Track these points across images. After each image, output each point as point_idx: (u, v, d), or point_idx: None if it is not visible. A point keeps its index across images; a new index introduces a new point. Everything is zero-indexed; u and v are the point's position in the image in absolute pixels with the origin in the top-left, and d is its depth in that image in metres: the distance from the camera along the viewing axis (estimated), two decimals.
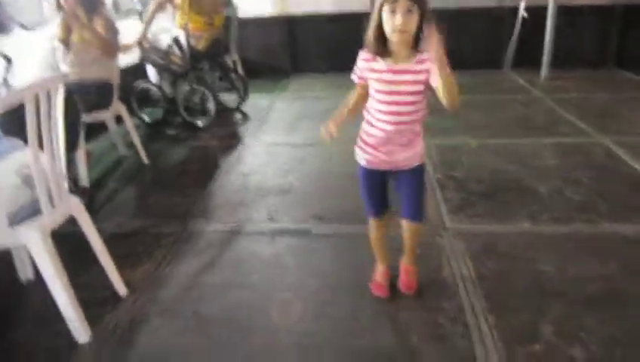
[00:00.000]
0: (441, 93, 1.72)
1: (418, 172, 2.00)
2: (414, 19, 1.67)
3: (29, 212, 1.87)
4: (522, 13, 6.35)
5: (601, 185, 3.15)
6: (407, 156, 1.94)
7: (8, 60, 3.46)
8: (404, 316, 2.05)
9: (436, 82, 1.72)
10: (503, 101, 5.30)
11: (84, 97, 3.36)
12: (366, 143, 1.96)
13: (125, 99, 4.56)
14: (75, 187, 3.36)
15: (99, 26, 3.31)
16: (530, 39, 6.38)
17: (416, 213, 2.05)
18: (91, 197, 3.34)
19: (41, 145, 1.80)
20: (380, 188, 2.06)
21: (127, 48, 4.56)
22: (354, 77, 1.91)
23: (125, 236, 2.82)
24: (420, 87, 1.80)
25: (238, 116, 5.19)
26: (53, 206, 1.92)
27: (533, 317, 1.99)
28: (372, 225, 2.16)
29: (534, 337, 1.88)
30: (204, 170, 3.79)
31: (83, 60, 3.32)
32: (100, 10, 3.36)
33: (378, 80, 1.82)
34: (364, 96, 1.91)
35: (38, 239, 1.84)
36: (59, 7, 3.29)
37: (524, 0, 6.32)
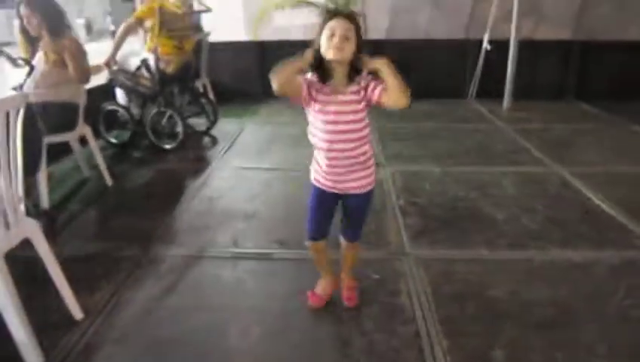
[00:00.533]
0: (391, 94, 1.80)
1: (367, 197, 2.08)
2: (351, 42, 1.79)
3: None
4: (486, 45, 6.62)
5: (555, 213, 3.28)
6: (357, 178, 2.00)
7: None
8: (360, 340, 2.08)
9: (378, 94, 1.83)
10: (466, 130, 5.47)
11: (47, 119, 3.33)
12: (318, 165, 2.04)
13: (92, 121, 4.55)
14: (34, 209, 3.32)
15: (66, 49, 3.31)
16: (493, 71, 6.63)
17: (357, 236, 2.21)
18: (51, 219, 3.29)
19: None
20: (326, 211, 2.12)
21: (95, 70, 4.57)
22: (301, 79, 1.88)
23: (85, 259, 2.78)
24: (361, 113, 1.89)
25: (207, 140, 5.20)
26: (7, 228, 1.89)
27: (485, 341, 2.05)
28: (310, 247, 2.24)
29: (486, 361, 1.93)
30: (169, 193, 3.77)
31: (47, 81, 3.30)
32: (66, 32, 3.36)
33: (321, 107, 1.89)
34: (298, 85, 1.87)
35: None
36: (22, 29, 3.27)
37: (487, 33, 6.60)
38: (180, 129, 4.70)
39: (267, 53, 6.92)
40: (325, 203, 2.09)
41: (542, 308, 2.27)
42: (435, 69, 6.94)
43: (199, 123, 5.37)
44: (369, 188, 2.05)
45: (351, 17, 1.82)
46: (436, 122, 5.69)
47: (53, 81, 3.34)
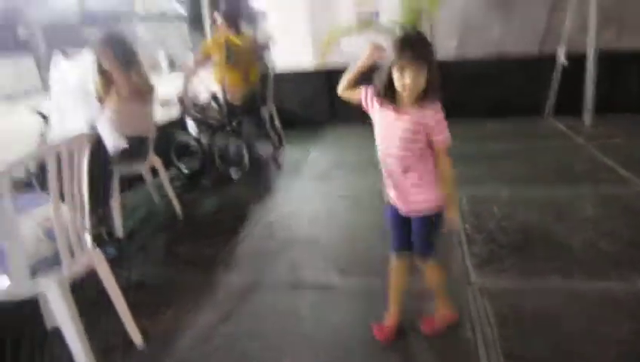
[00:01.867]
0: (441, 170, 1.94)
1: (425, 221, 2.02)
2: (422, 76, 1.79)
3: (50, 263, 1.97)
4: (562, 60, 6.26)
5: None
6: (414, 201, 1.99)
7: (44, 118, 3.73)
8: None
9: (436, 145, 1.90)
10: (541, 149, 5.16)
11: (120, 151, 3.55)
12: (386, 180, 2.07)
13: (165, 151, 4.79)
14: (109, 237, 3.52)
15: (136, 82, 3.52)
16: (571, 86, 6.24)
17: (425, 252, 2.11)
18: (123, 246, 3.47)
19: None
20: (400, 226, 2.11)
21: (168, 103, 4.84)
22: (361, 95, 2.06)
23: (149, 285, 2.89)
24: (418, 135, 1.88)
25: (273, 166, 5.30)
26: (73, 257, 2.00)
27: None
28: (392, 262, 2.22)
29: None
30: (234, 220, 3.86)
31: (119, 115, 3.51)
32: (136, 67, 3.57)
33: (382, 119, 1.96)
34: (357, 93, 2.09)
35: (55, 289, 1.92)
36: (99, 67, 3.51)
37: (563, 46, 6.25)
38: (246, 158, 4.82)
39: (333, 80, 6.97)
40: (394, 217, 2.12)
41: (622, 346, 2.03)
42: (508, 86, 6.64)
43: (265, 150, 5.49)
44: (427, 212, 1.99)
45: (421, 50, 1.79)
46: (508, 142, 5.42)
47: (126, 113, 3.54)
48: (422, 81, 1.79)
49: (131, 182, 4.39)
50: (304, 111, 7.12)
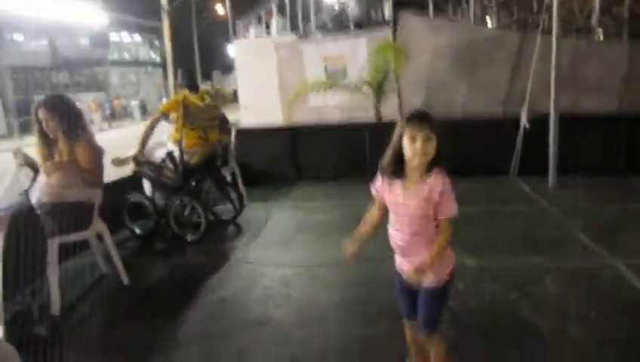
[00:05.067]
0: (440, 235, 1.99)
1: (434, 293, 2.02)
2: (432, 145, 1.89)
3: None
4: (524, 123, 6.32)
5: (610, 321, 2.82)
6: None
7: None
8: None
9: (440, 214, 1.97)
10: (507, 213, 5.08)
11: (60, 219, 3.29)
12: (394, 244, 2.09)
13: (118, 212, 4.54)
14: (41, 315, 3.19)
15: (80, 152, 3.31)
16: (535, 147, 6.27)
17: (428, 328, 2.08)
18: (57, 324, 3.14)
19: None
20: (405, 294, 2.14)
21: (123, 162, 4.60)
22: (373, 191, 2.11)
23: None
24: (429, 207, 1.94)
25: (231, 229, 5.05)
26: None
27: None
28: (404, 322, 2.25)
29: None
30: (182, 292, 3.57)
31: (61, 182, 3.28)
32: (81, 134, 3.37)
33: (393, 201, 2.02)
34: (383, 211, 2.11)
35: None
36: (40, 131, 3.31)
37: (525, 108, 6.32)
38: (202, 220, 4.59)
39: (299, 137, 6.90)
40: (400, 284, 2.14)
41: None
42: (473, 147, 6.61)
43: (226, 211, 5.26)
44: (432, 285, 2.01)
45: (430, 121, 1.90)
46: (474, 204, 5.32)
47: (67, 181, 3.31)
48: (431, 150, 1.88)
49: (76, 249, 4.08)
50: (270, 168, 6.94)
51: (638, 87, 6.47)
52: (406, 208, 1.97)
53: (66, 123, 3.28)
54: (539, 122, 6.08)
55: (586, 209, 5.05)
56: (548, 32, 6.11)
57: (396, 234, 2.04)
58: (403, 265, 2.08)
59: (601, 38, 9.37)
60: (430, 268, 1.94)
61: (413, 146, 1.88)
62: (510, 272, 3.58)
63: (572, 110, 6.38)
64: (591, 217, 4.74)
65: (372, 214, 2.15)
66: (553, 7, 5.76)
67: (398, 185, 1.99)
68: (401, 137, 1.92)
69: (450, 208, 1.94)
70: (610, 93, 6.61)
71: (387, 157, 1.98)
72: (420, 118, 1.90)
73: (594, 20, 9.26)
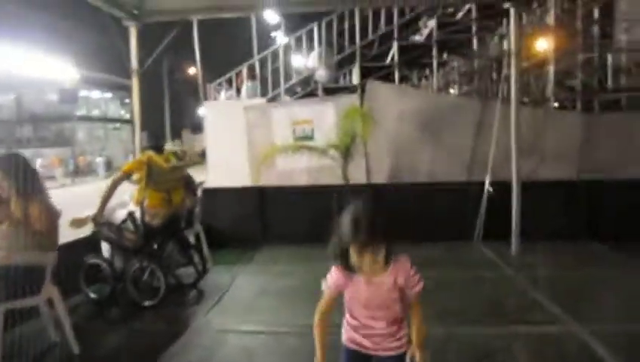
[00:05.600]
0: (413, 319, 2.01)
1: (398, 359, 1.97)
2: (381, 254, 1.77)
3: None
4: (488, 188, 6.49)
5: None
6: (391, 347, 1.96)
7: None
8: None
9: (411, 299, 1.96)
10: (472, 280, 5.07)
11: (8, 283, 3.10)
12: (349, 324, 2.00)
13: (73, 274, 4.32)
14: None
15: (33, 213, 3.17)
16: (498, 212, 6.40)
17: None
18: None
19: None
20: None
21: (81, 223, 4.44)
22: (325, 287, 1.95)
23: None
24: (397, 292, 1.89)
25: (193, 294, 4.87)
26: None
27: None
28: None
29: None
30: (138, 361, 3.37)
31: (11, 243, 3.12)
32: (36, 195, 3.25)
33: (354, 294, 1.91)
34: (333, 305, 1.97)
35: None
36: None
37: (488, 175, 6.50)
38: (161, 285, 4.41)
39: (267, 198, 6.86)
40: (354, 359, 2.04)
41: None
42: (438, 212, 6.69)
43: (188, 274, 5.08)
44: (400, 350, 1.99)
45: (376, 230, 1.75)
46: (439, 271, 5.26)
47: (17, 243, 3.15)
48: (381, 259, 1.78)
49: (24, 316, 3.82)
50: (236, 229, 6.81)
51: (594, 154, 6.76)
52: (377, 301, 1.90)
53: (20, 182, 3.16)
54: (502, 188, 6.25)
55: (549, 275, 5.10)
56: (507, 101, 6.40)
57: (374, 324, 1.95)
58: (361, 339, 2.00)
59: (556, 107, 9.89)
60: (421, 355, 1.99)
61: (360, 259, 1.77)
62: (478, 342, 3.52)
63: (533, 177, 6.59)
64: (554, 284, 4.78)
65: (323, 312, 1.98)
66: (511, 77, 6.07)
67: (359, 279, 1.87)
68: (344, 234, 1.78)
69: (418, 285, 1.93)
70: (568, 160, 6.87)
71: (337, 251, 1.82)
72: (364, 229, 1.74)
73: (549, 91, 9.80)
